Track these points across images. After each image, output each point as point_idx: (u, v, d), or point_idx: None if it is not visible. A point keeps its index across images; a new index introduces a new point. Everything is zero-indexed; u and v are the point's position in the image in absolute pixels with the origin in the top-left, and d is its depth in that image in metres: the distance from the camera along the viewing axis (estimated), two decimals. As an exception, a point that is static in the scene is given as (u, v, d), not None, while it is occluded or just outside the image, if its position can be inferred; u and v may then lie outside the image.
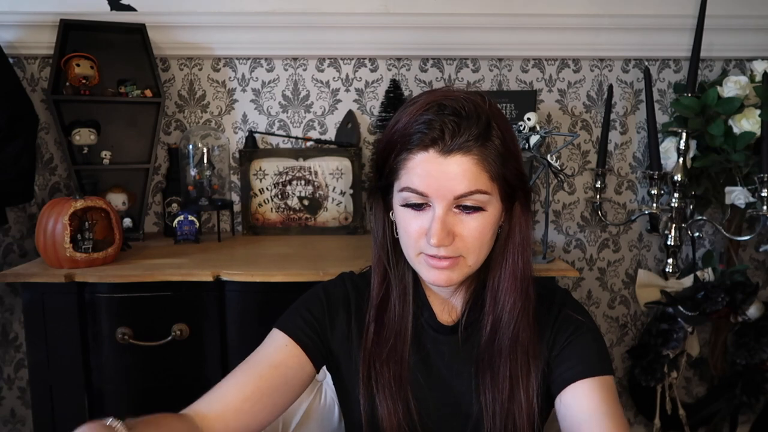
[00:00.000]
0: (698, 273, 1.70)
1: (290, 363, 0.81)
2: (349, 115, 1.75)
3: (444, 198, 0.72)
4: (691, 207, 1.77)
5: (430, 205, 0.74)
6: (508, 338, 0.80)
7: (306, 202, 1.74)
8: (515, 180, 0.76)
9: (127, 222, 1.63)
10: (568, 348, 0.81)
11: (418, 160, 0.73)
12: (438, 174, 0.71)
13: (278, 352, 0.82)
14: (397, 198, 0.77)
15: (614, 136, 1.83)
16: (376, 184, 0.82)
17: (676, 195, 1.70)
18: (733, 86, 1.63)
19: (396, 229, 0.81)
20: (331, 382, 0.93)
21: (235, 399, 0.76)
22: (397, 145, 0.75)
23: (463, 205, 0.73)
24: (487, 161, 0.72)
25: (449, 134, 0.71)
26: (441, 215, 0.73)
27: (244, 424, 0.76)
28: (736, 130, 1.63)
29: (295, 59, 1.75)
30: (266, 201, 1.74)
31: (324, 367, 0.90)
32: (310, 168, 1.73)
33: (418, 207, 0.75)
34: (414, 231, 0.76)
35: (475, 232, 0.74)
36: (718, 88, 1.64)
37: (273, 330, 0.85)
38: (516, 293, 0.80)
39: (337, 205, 1.74)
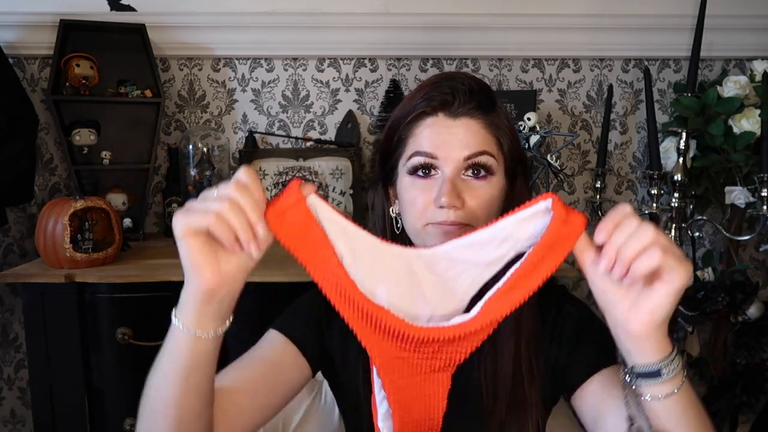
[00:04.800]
0: (698, 273, 1.70)
1: (286, 362, 0.79)
2: (349, 115, 1.75)
3: (453, 159, 0.72)
4: (691, 207, 1.77)
5: (438, 171, 0.74)
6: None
7: (306, 202, 1.74)
8: (516, 154, 0.78)
9: (127, 222, 1.63)
10: (581, 344, 0.77)
11: (427, 124, 0.74)
12: (447, 135, 0.72)
13: (274, 351, 0.80)
14: (403, 171, 0.77)
15: (614, 136, 1.83)
16: (379, 173, 0.82)
17: (676, 195, 1.69)
18: (733, 86, 1.63)
19: (396, 225, 0.81)
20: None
21: (231, 395, 0.73)
22: (407, 117, 0.76)
23: (473, 168, 0.73)
24: (493, 127, 0.75)
25: (458, 99, 0.73)
26: (450, 176, 0.72)
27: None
28: (736, 130, 1.63)
29: (295, 59, 1.75)
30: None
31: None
32: (310, 168, 1.73)
33: (426, 173, 0.74)
34: (421, 202, 0.74)
35: (483, 199, 0.73)
36: (718, 87, 1.64)
37: (269, 330, 0.83)
38: None
39: (337, 205, 1.74)
